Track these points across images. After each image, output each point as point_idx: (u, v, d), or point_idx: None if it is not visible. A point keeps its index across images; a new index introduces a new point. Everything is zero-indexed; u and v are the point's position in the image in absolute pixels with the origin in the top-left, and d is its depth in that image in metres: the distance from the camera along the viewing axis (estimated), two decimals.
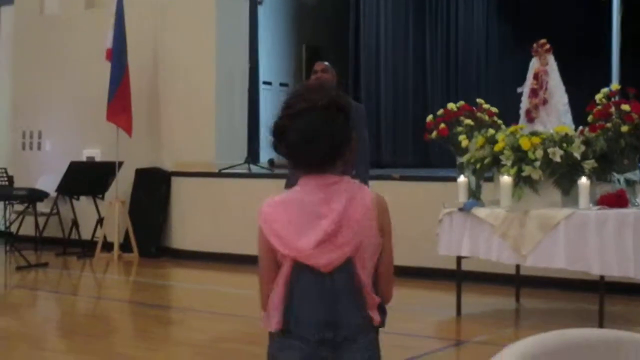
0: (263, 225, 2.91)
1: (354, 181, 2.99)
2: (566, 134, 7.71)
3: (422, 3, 15.79)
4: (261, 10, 14.81)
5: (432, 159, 13.86)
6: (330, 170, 2.93)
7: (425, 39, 15.80)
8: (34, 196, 12.18)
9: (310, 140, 2.88)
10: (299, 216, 2.89)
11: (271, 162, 13.32)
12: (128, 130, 12.31)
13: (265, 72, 14.84)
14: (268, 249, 2.93)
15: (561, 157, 7.52)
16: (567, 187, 7.67)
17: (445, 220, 8.09)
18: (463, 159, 8.33)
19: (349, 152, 2.95)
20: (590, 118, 7.89)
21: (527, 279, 8.93)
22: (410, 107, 15.08)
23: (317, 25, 15.90)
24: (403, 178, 10.88)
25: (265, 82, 14.86)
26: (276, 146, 2.95)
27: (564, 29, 13.77)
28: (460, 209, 7.93)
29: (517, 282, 8.89)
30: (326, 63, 8.57)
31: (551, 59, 8.35)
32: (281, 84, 15.36)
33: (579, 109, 8.23)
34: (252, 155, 13.09)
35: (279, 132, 2.92)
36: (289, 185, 8.42)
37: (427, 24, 15.85)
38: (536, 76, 8.30)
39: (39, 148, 14.20)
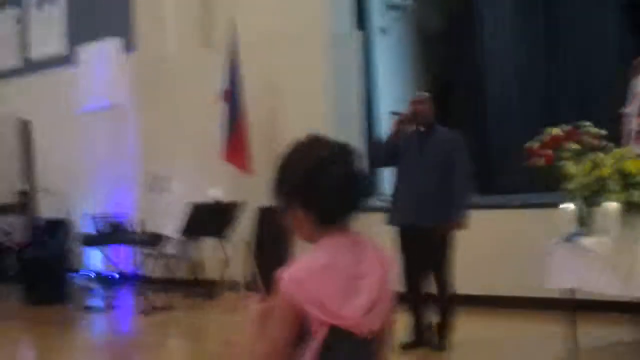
0: (296, 292, 2.59)
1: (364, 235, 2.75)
2: None
3: (553, 32, 15.35)
4: (384, 41, 14.67)
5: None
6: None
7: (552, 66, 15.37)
8: (156, 240, 12.36)
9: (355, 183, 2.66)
10: (337, 280, 2.60)
11: None
12: (245, 169, 12.30)
13: (392, 103, 14.56)
14: (295, 319, 2.60)
15: None
16: None
17: (552, 251, 7.68)
18: (570, 186, 7.92)
19: None
20: None
21: None
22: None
23: (445, 56, 15.55)
24: (515, 206, 10.51)
25: (394, 113, 14.52)
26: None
27: None
28: (567, 240, 7.51)
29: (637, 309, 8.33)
30: (425, 94, 8.50)
31: None
32: None
33: None
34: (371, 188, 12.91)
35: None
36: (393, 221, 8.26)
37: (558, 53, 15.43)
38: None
39: (166, 191, 14.36)
